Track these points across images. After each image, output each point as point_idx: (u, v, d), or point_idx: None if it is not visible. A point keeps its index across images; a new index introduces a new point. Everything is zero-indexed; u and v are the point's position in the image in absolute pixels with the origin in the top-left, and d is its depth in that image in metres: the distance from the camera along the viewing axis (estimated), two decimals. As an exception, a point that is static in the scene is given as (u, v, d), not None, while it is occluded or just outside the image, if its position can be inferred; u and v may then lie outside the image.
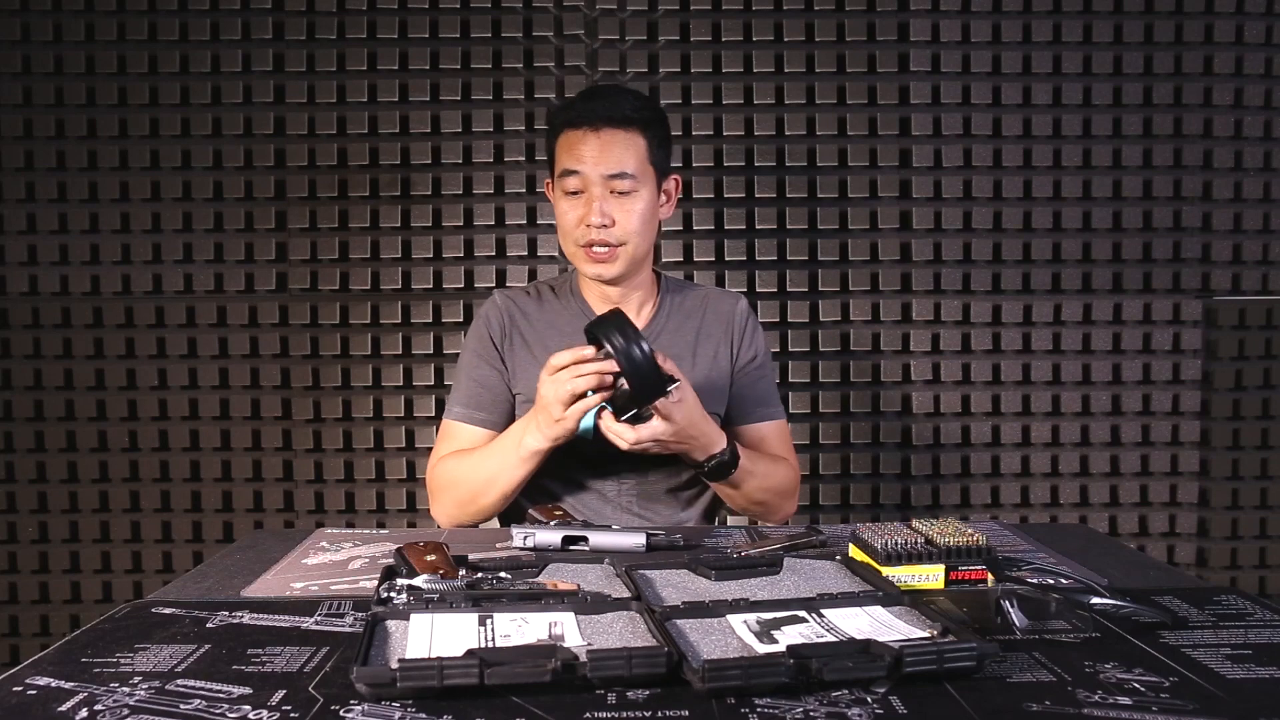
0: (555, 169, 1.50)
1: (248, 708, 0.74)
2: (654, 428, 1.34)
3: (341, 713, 0.73)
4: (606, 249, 1.47)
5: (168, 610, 1.00)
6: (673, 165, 1.58)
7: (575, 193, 1.47)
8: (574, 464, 1.52)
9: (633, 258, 1.49)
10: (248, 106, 2.29)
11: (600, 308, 1.53)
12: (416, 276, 2.33)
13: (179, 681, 0.80)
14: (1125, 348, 2.37)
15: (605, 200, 1.45)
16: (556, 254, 2.34)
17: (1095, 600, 0.97)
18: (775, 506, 1.57)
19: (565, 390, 1.31)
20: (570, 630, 0.88)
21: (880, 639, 0.81)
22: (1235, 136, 2.36)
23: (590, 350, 1.31)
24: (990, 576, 1.04)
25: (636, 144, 1.47)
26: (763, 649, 0.84)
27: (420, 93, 2.31)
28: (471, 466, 1.47)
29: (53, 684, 0.79)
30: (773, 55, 2.34)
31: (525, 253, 2.34)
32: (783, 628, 0.88)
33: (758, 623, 0.89)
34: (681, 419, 1.35)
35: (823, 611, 0.92)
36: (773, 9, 2.33)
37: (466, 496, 1.47)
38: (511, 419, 1.54)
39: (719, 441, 1.43)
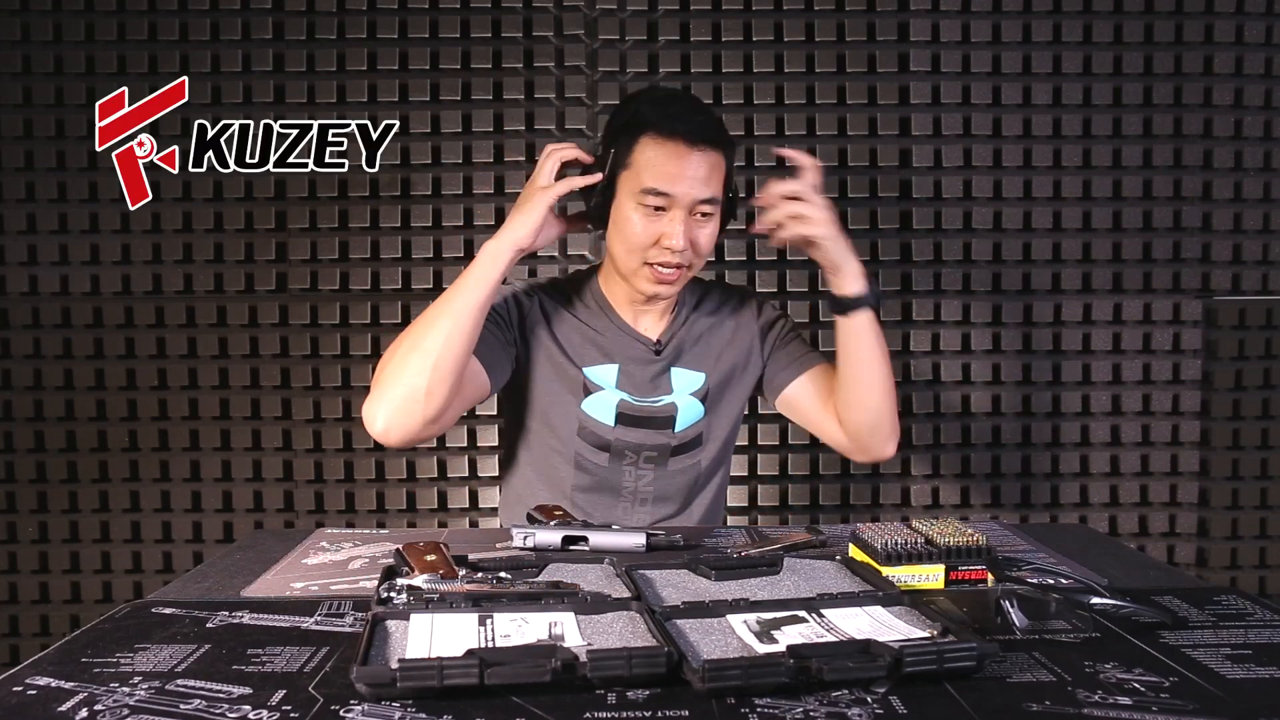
0: (629, 176, 1.39)
1: (248, 708, 0.74)
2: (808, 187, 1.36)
3: (341, 713, 0.73)
4: (675, 270, 1.41)
5: (168, 610, 1.00)
6: None
7: (657, 208, 1.38)
8: (590, 450, 1.50)
9: (691, 277, 1.48)
10: (247, 106, 2.29)
11: (628, 313, 1.52)
12: (416, 276, 2.33)
13: (179, 681, 0.80)
14: (1125, 348, 2.37)
15: (688, 223, 1.38)
16: (556, 254, 2.34)
17: (1095, 600, 0.97)
18: (893, 396, 1.47)
19: (555, 158, 1.39)
20: (570, 630, 0.88)
21: (880, 639, 0.81)
22: (1235, 136, 2.36)
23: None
24: (990, 576, 1.04)
25: (722, 167, 1.40)
26: (763, 649, 0.84)
27: (420, 93, 2.31)
28: (424, 314, 1.34)
29: (53, 684, 0.79)
30: (773, 55, 2.34)
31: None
32: (783, 628, 0.88)
33: (758, 623, 0.89)
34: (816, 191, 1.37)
35: (823, 611, 0.92)
36: (773, 9, 2.33)
37: (407, 343, 1.31)
38: (502, 380, 1.47)
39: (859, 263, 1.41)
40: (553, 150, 1.41)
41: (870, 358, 1.42)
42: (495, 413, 2.29)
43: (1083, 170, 2.35)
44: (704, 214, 1.40)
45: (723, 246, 2.33)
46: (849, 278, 1.39)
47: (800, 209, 1.35)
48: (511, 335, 1.48)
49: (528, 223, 1.36)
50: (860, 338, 1.41)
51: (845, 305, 1.41)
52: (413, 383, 1.30)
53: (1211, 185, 2.36)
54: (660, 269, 1.41)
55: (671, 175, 1.36)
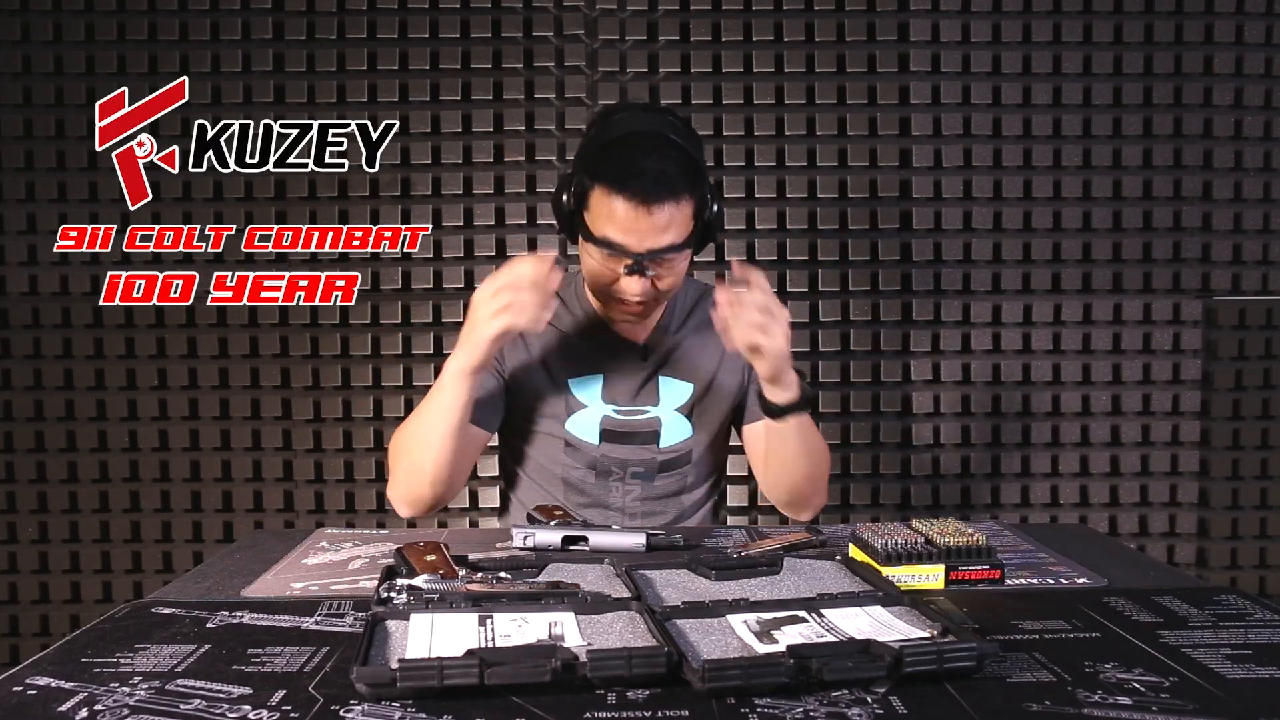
0: (588, 215, 1.34)
1: (248, 708, 0.74)
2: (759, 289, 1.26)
3: (341, 713, 0.73)
4: (640, 305, 1.39)
5: (168, 610, 1.00)
6: None
7: (611, 254, 1.33)
8: (579, 470, 1.50)
9: (662, 305, 1.46)
10: (247, 106, 2.29)
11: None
12: (416, 277, 2.33)
13: (179, 681, 0.80)
14: (1125, 348, 2.37)
15: (646, 267, 1.33)
16: (557, 253, 2.33)
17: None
18: (817, 481, 1.47)
19: (497, 289, 1.25)
20: (570, 630, 0.88)
21: (880, 639, 0.81)
22: (1235, 136, 2.36)
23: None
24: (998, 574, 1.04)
25: (685, 211, 1.32)
26: (763, 649, 0.84)
27: (420, 93, 2.31)
28: (410, 420, 1.40)
29: (53, 684, 0.79)
30: (773, 55, 2.34)
31: (525, 252, 2.34)
32: (783, 628, 0.88)
33: (758, 623, 0.89)
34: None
35: (823, 611, 0.92)
36: (773, 9, 2.33)
37: (403, 450, 1.40)
38: (499, 420, 1.50)
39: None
40: (511, 271, 1.28)
41: (793, 455, 1.42)
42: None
43: (1083, 170, 2.35)
44: (665, 259, 1.34)
45: (722, 247, 2.33)
46: (784, 387, 1.34)
47: (765, 321, 1.27)
48: (496, 371, 1.47)
49: (472, 355, 1.30)
50: (784, 438, 1.40)
51: (775, 411, 1.37)
52: (419, 491, 1.42)
53: (1211, 185, 2.36)
54: (622, 304, 1.39)
55: (622, 230, 1.31)
